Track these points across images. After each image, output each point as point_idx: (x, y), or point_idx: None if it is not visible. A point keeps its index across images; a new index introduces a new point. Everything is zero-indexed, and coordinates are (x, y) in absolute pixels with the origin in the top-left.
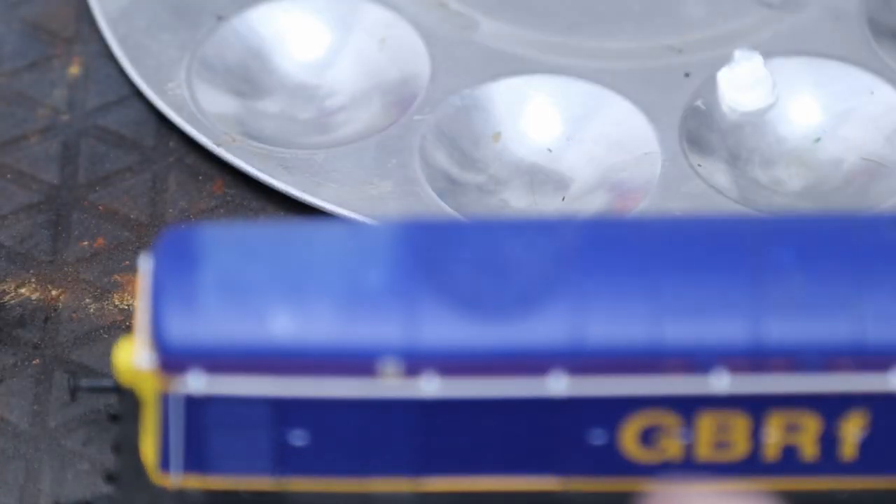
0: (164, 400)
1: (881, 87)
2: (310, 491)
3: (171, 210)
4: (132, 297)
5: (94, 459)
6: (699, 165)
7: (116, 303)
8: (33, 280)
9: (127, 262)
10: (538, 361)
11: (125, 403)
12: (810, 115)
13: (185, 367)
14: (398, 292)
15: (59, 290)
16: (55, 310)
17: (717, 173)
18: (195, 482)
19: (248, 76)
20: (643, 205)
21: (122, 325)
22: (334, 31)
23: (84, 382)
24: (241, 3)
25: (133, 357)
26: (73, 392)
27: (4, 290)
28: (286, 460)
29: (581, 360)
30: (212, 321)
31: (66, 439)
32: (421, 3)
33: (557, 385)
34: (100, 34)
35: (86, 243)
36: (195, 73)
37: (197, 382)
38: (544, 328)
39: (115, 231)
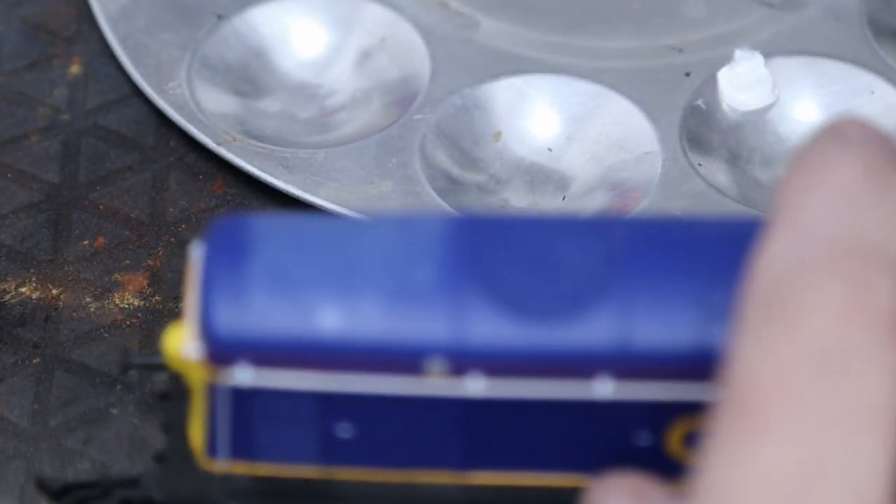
0: (212, 390)
1: (882, 87)
2: (355, 480)
3: (171, 209)
4: (133, 297)
5: (95, 459)
6: (699, 165)
7: (117, 302)
8: (33, 279)
9: (127, 262)
10: (585, 364)
11: (175, 383)
12: (810, 115)
13: (233, 359)
14: (446, 290)
15: (60, 289)
16: (55, 309)
17: (718, 173)
18: (242, 468)
19: (249, 75)
20: (643, 204)
21: (123, 325)
22: (334, 31)
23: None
24: (241, 2)
25: (181, 346)
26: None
27: (5, 290)
28: (332, 451)
29: (627, 365)
30: (260, 314)
31: (66, 439)
32: (421, 2)
33: (604, 389)
34: (100, 33)
35: (86, 242)
36: (195, 72)
37: (244, 375)
38: (591, 331)
39: (116, 230)
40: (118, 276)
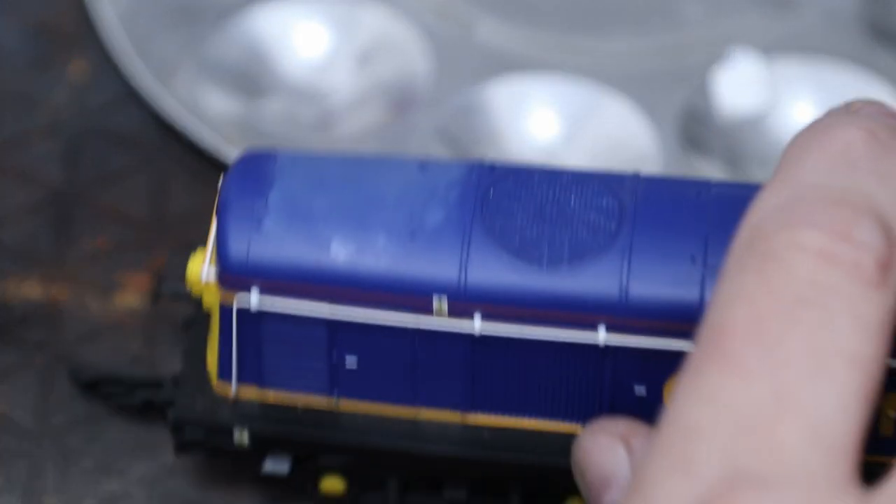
0: (225, 312)
1: (880, 88)
2: (360, 412)
3: (173, 210)
4: (134, 297)
5: (98, 457)
6: (698, 165)
7: (119, 301)
8: (36, 279)
9: (129, 262)
10: (582, 311)
11: (199, 314)
12: (809, 116)
13: (245, 284)
14: (455, 232)
15: (62, 289)
16: (58, 309)
17: (716, 173)
18: (251, 394)
19: (250, 76)
20: None
21: (125, 324)
22: (335, 32)
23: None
24: (242, 2)
25: (200, 269)
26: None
27: (7, 289)
28: (339, 382)
29: (623, 315)
30: (273, 241)
31: (69, 437)
32: (421, 2)
33: (599, 336)
34: (102, 34)
35: (88, 243)
36: (197, 72)
37: (254, 299)
38: (590, 280)
39: (118, 230)
40: (120, 275)
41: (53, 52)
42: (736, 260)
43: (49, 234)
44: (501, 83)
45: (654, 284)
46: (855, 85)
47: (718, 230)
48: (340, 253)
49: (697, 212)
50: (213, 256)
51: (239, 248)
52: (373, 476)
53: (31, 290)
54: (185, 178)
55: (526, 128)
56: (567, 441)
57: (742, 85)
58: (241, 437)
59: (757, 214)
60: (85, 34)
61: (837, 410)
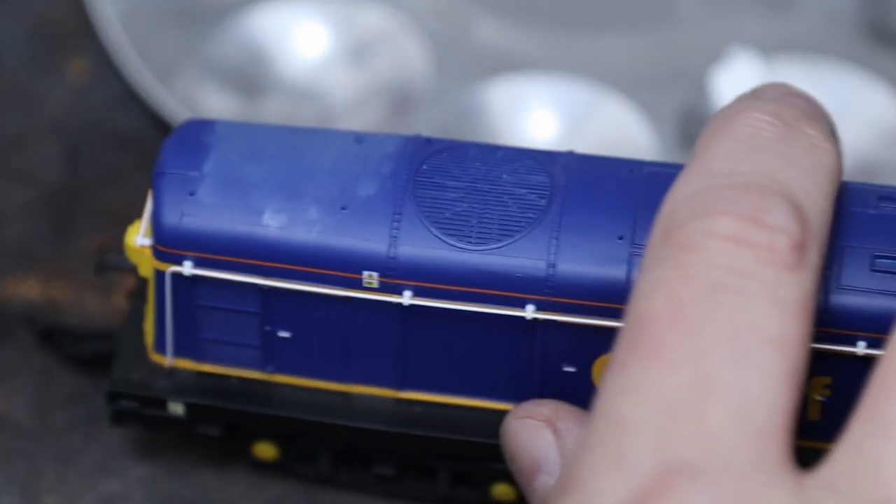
0: (160, 280)
1: (878, 87)
2: (294, 385)
3: None
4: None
5: (97, 457)
6: None
7: (117, 302)
8: (35, 279)
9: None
10: (512, 289)
11: (141, 285)
12: None
13: (178, 251)
14: (387, 206)
15: (61, 288)
16: (57, 308)
17: None
18: (187, 364)
19: (249, 76)
20: None
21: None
22: (334, 31)
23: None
24: (242, 2)
25: (136, 237)
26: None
27: (6, 289)
28: (272, 355)
29: (549, 291)
30: (207, 210)
31: (67, 437)
32: (420, 2)
33: (526, 312)
34: (102, 34)
35: (87, 242)
36: (196, 73)
37: (187, 266)
38: (518, 255)
39: (116, 230)
40: (118, 276)
41: (53, 52)
42: (653, 252)
43: (48, 234)
44: (500, 83)
45: (581, 262)
46: (854, 85)
47: (647, 209)
48: (272, 224)
49: (628, 190)
50: (149, 227)
51: (172, 217)
52: (305, 446)
53: (30, 289)
54: None
55: (524, 128)
56: (497, 419)
57: (741, 85)
58: (176, 408)
59: (670, 205)
60: (85, 34)
61: (763, 393)
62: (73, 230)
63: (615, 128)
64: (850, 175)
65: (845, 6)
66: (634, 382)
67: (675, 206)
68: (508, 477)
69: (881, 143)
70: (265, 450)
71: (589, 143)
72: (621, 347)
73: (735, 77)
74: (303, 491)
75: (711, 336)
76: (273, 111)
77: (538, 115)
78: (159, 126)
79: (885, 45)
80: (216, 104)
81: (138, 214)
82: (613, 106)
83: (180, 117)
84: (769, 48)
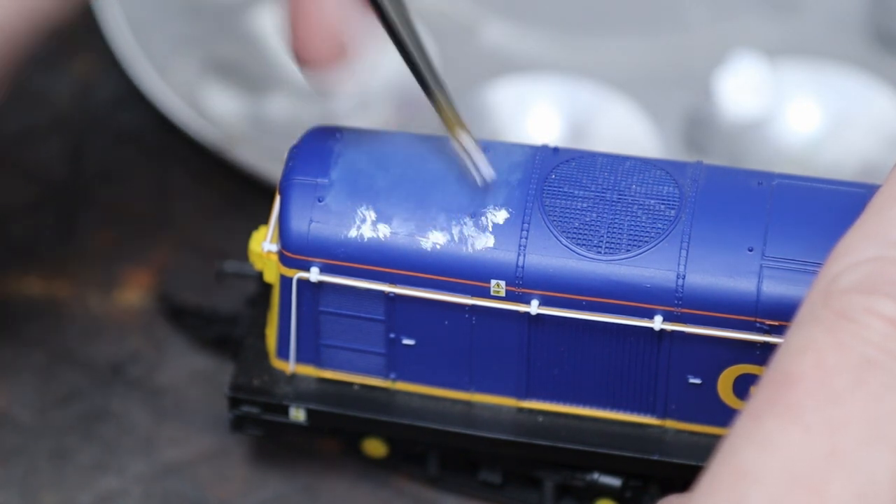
0: (286, 286)
1: (883, 91)
2: (415, 394)
3: (175, 207)
4: (136, 293)
5: (95, 454)
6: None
7: (119, 298)
8: (38, 275)
9: (131, 259)
10: (640, 300)
11: (262, 291)
12: (812, 118)
13: (306, 257)
14: (516, 215)
15: (62, 285)
16: (59, 305)
17: None
18: (309, 370)
19: (253, 75)
20: None
21: (126, 321)
22: None
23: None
24: (246, 1)
25: (262, 243)
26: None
27: (8, 285)
28: (395, 362)
29: (681, 304)
30: (335, 217)
31: (67, 434)
32: (422, 2)
33: (657, 324)
34: (106, 31)
35: (90, 240)
36: (200, 71)
37: (314, 272)
38: (646, 267)
39: (120, 228)
40: (121, 272)
41: (58, 50)
42: (810, 310)
43: (51, 230)
44: (505, 84)
45: (710, 273)
46: (858, 89)
47: (778, 222)
48: (400, 231)
49: (757, 202)
50: (275, 233)
51: (300, 224)
52: (417, 448)
53: (31, 286)
54: (188, 176)
55: (529, 128)
56: (619, 430)
57: (745, 88)
58: (297, 414)
59: (837, 266)
60: (89, 32)
61: (888, 480)
62: (74, 226)
63: (620, 129)
64: (853, 177)
65: (851, 10)
66: (766, 438)
67: (841, 269)
68: (613, 493)
69: (886, 146)
70: (376, 447)
71: (593, 145)
72: (758, 399)
73: (740, 80)
74: (300, 489)
75: (852, 410)
76: (277, 110)
77: (542, 116)
78: (163, 123)
79: (891, 49)
80: (219, 102)
81: (142, 210)
82: (618, 107)
83: (184, 115)
84: (774, 51)
